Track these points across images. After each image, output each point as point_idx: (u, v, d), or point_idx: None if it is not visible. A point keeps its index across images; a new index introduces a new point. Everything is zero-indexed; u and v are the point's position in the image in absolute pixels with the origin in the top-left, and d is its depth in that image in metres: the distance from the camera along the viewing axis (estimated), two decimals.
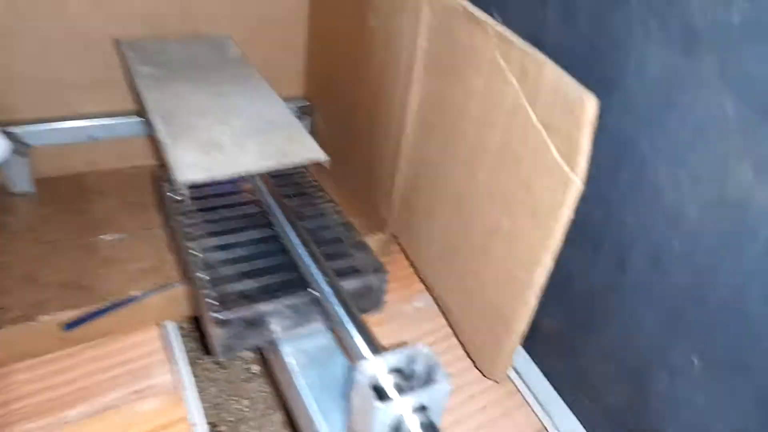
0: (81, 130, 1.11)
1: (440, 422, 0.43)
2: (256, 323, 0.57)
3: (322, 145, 0.74)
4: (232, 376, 1.16)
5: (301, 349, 0.61)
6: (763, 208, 0.45)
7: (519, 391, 0.89)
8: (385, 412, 0.40)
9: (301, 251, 0.58)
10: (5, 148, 0.97)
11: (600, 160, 0.58)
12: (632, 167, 0.58)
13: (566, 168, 0.61)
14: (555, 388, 0.85)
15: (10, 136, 1.02)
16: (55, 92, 1.08)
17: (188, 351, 1.18)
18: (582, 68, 0.56)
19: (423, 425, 0.41)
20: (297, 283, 0.61)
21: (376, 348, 0.48)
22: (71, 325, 0.82)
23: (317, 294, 0.56)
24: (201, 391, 1.11)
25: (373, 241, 1.06)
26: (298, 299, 0.59)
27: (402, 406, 0.41)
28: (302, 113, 1.31)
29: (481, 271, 0.79)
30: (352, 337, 0.49)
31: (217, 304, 0.56)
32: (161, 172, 0.75)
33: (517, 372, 0.89)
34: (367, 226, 1.06)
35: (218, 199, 0.72)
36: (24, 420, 0.77)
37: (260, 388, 1.14)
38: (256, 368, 1.17)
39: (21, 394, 0.81)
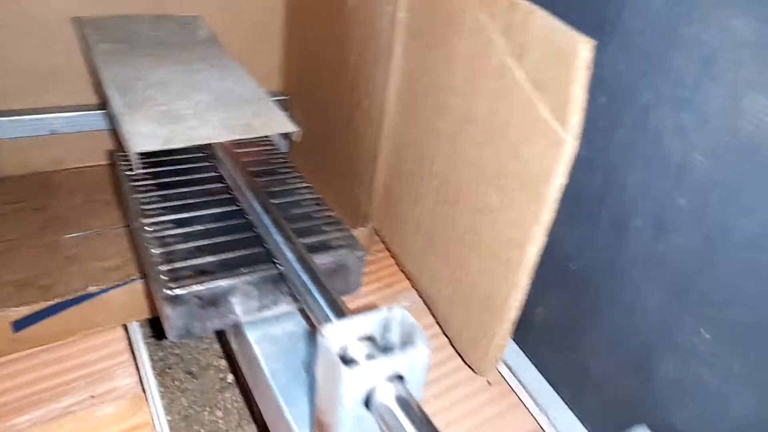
0: (42, 123, 1.05)
1: (420, 395, 0.37)
2: (214, 302, 0.51)
3: (301, 140, 0.68)
4: (204, 386, 1.08)
5: (268, 335, 0.55)
6: None
7: (512, 389, 0.83)
8: (353, 381, 0.34)
9: (266, 222, 0.52)
10: None
11: (596, 117, 0.53)
12: (632, 119, 0.53)
13: (558, 127, 0.56)
14: (550, 384, 0.79)
15: None
16: (13, 83, 1.01)
17: (156, 360, 1.11)
18: (574, 11, 0.51)
19: (399, 399, 0.35)
20: (261, 259, 0.54)
21: (342, 312, 0.42)
22: (21, 323, 0.75)
23: (282, 267, 0.50)
24: (170, 402, 1.03)
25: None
26: (262, 275, 0.52)
27: (373, 373, 0.35)
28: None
29: (468, 257, 0.74)
30: (316, 301, 0.43)
31: (170, 279, 0.49)
32: (117, 151, 0.69)
33: (509, 368, 0.83)
34: (348, 222, 1.00)
35: (177, 177, 0.66)
36: None
37: (235, 398, 1.06)
38: (231, 378, 1.10)
39: None
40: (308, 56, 1.13)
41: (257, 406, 0.56)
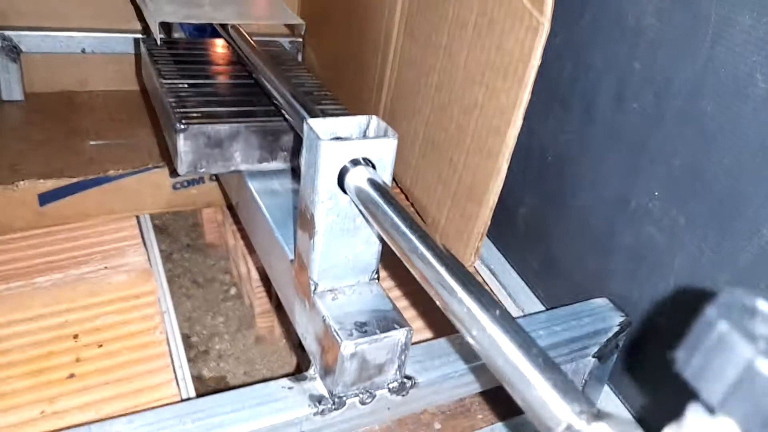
0: (73, 41, 1.12)
1: (389, 183, 0.43)
2: (220, 143, 0.58)
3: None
4: (209, 295, 1.15)
5: (266, 185, 0.62)
6: None
7: (489, 286, 0.89)
8: (329, 153, 0.41)
9: (272, 78, 0.59)
10: None
11: (568, 5, 0.59)
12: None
13: (535, 13, 0.62)
14: (528, 285, 0.85)
15: (2, 37, 1.04)
16: (46, 3, 1.09)
17: (165, 271, 1.18)
18: None
19: (370, 180, 0.42)
20: (263, 114, 0.61)
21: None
22: (47, 197, 0.83)
23: (289, 117, 0.57)
24: (176, 305, 1.10)
25: None
26: (263, 126, 0.59)
27: (346, 150, 0.41)
28: (296, 50, 1.32)
29: (455, 155, 0.80)
30: (308, 112, 0.49)
31: (183, 118, 0.56)
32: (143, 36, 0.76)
33: (491, 272, 0.89)
34: None
35: (193, 58, 0.73)
36: None
37: (236, 307, 1.13)
38: (234, 291, 1.17)
39: None
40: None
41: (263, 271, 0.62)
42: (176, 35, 1.06)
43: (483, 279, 0.89)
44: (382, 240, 0.46)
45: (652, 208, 0.57)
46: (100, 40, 1.14)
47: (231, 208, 1.01)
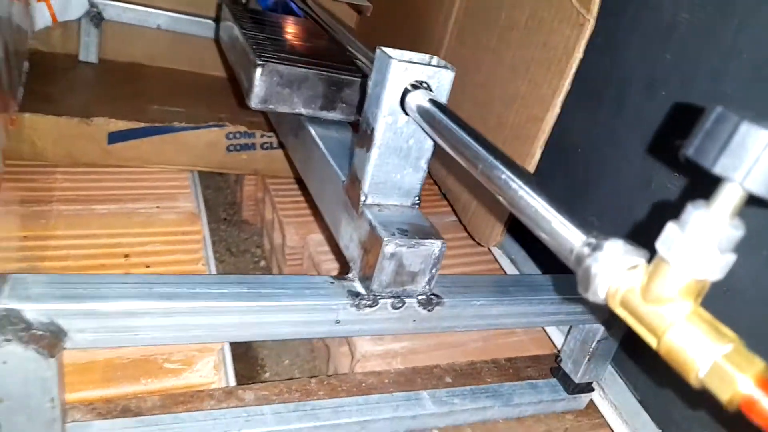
0: (151, 16, 1.22)
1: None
2: (290, 83, 0.65)
3: None
4: (240, 264, 1.21)
5: (323, 131, 0.69)
6: None
7: (501, 266, 0.94)
8: (396, 72, 0.47)
9: (350, 38, 0.67)
10: (84, 3, 1.09)
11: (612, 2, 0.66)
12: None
13: (582, 10, 0.69)
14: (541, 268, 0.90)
15: (90, 3, 1.15)
16: None
17: None
18: None
19: (431, 100, 0.48)
20: (331, 67, 0.68)
21: None
22: (115, 136, 0.91)
23: (363, 62, 0.64)
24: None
25: None
26: (330, 76, 0.67)
27: (410, 72, 0.48)
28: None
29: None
30: None
31: (260, 57, 0.64)
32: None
33: (508, 257, 0.94)
34: None
35: (272, 20, 0.81)
36: (59, 203, 0.85)
37: None
38: (263, 263, 1.22)
39: (59, 187, 0.88)
40: None
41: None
42: None
43: (502, 267, 0.94)
44: (438, 155, 0.52)
45: (671, 187, 0.63)
46: (174, 19, 1.24)
47: (275, 179, 1.08)
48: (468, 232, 0.93)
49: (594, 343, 0.66)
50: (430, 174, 1.11)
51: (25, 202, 0.83)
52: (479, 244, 0.90)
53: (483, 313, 0.57)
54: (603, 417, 0.71)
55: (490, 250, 0.98)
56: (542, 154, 0.77)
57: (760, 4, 0.51)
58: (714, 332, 0.24)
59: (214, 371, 0.65)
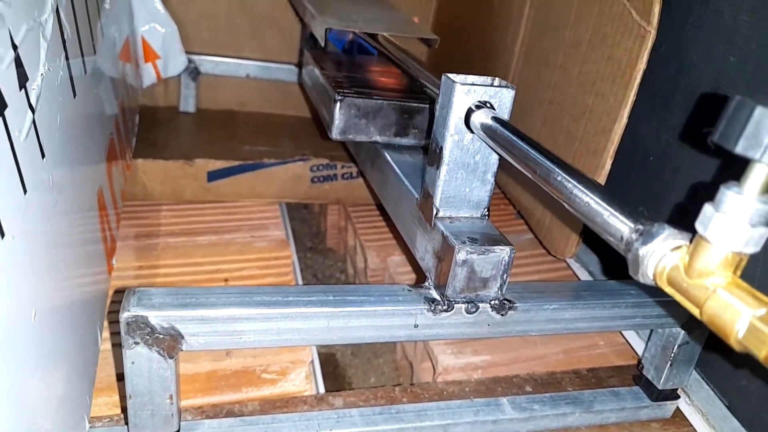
0: (241, 67, 1.35)
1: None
2: (366, 114, 0.71)
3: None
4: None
5: (397, 155, 0.74)
6: None
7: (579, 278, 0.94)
8: (460, 94, 0.52)
9: (419, 69, 0.73)
10: (184, 61, 1.23)
11: (672, 8, 0.68)
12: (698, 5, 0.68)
13: (643, 23, 0.71)
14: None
15: (189, 60, 1.28)
16: (225, 35, 1.33)
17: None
18: None
19: (494, 118, 0.52)
20: (403, 97, 0.74)
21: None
22: (214, 175, 1.01)
23: (432, 92, 0.70)
24: None
25: None
26: (401, 105, 0.72)
27: (473, 94, 0.52)
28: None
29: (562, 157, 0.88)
30: None
31: (339, 93, 0.71)
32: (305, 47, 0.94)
33: (586, 269, 0.95)
34: None
35: (349, 61, 0.89)
36: (167, 235, 0.95)
37: None
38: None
39: (166, 222, 0.99)
40: (452, 25, 1.36)
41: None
42: None
43: (579, 279, 0.95)
44: (505, 168, 0.56)
45: None
46: (261, 67, 1.36)
47: (355, 207, 1.15)
48: (544, 247, 0.95)
49: (675, 348, 0.66)
50: (504, 194, 1.14)
51: (138, 237, 0.94)
52: (556, 257, 0.91)
53: (556, 317, 0.60)
54: (691, 425, 0.69)
55: (568, 265, 0.99)
56: (614, 165, 0.78)
57: None
58: (750, 297, 0.26)
59: (305, 381, 0.70)
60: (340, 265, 1.34)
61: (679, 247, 0.31)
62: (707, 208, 0.29)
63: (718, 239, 0.28)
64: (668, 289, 0.31)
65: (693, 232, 0.31)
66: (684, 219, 0.71)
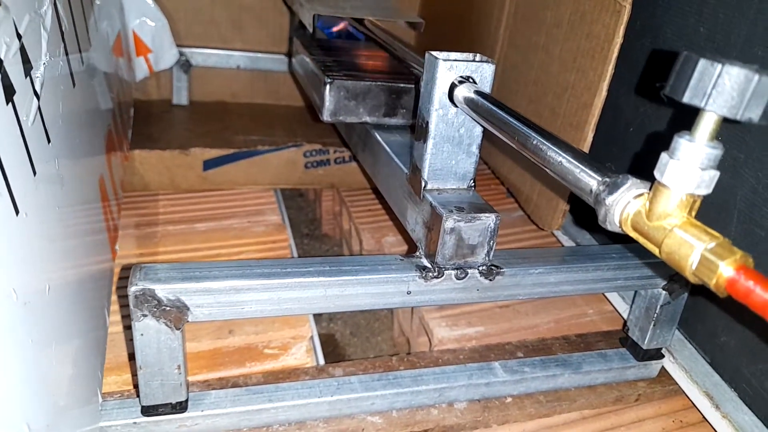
0: (231, 59, 1.37)
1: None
2: (356, 96, 0.74)
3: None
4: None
5: (387, 135, 0.77)
6: None
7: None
8: (443, 70, 0.55)
9: (405, 51, 0.75)
10: (175, 54, 1.25)
11: None
12: None
13: None
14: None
15: (180, 53, 1.30)
16: (213, 28, 1.35)
17: None
18: None
19: (476, 92, 0.55)
20: (391, 78, 0.77)
21: None
22: (210, 163, 1.03)
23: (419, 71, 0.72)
24: None
25: None
26: (389, 86, 0.75)
27: (455, 68, 0.55)
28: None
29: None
30: None
31: (328, 76, 0.73)
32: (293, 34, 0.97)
33: (573, 240, 0.98)
34: None
35: (337, 46, 0.91)
36: (166, 223, 0.98)
37: None
38: None
39: (165, 211, 1.01)
40: (438, 11, 1.38)
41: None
42: None
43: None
44: (487, 139, 0.59)
45: None
46: (251, 58, 1.38)
47: (349, 191, 1.18)
48: (533, 222, 0.98)
49: (658, 309, 0.69)
50: (495, 174, 1.17)
51: (139, 226, 0.97)
52: (545, 231, 0.94)
53: (542, 281, 0.63)
54: (676, 383, 0.73)
55: (557, 239, 1.02)
56: (597, 138, 0.81)
57: None
58: (702, 233, 0.29)
59: (306, 354, 0.73)
60: (336, 250, 1.37)
61: (641, 195, 0.34)
62: (663, 156, 0.31)
63: (674, 183, 0.31)
64: (633, 234, 0.34)
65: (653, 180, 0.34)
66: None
